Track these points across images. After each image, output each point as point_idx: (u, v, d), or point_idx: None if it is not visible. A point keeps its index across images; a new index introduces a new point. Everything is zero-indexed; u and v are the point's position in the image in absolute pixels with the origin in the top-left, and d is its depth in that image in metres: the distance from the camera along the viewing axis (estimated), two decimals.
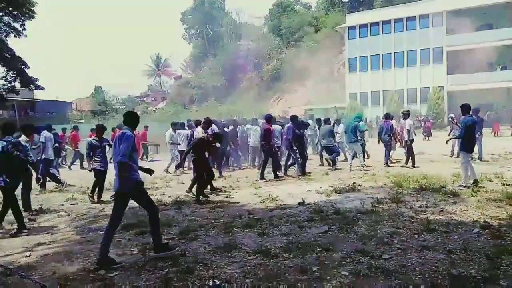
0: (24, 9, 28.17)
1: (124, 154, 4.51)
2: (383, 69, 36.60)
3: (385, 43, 36.30)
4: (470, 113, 8.45)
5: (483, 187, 7.96)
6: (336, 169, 11.81)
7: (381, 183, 9.16)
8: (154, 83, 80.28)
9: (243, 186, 9.76)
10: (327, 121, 12.86)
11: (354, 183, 9.18)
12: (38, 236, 5.92)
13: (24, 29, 29.26)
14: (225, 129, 12.68)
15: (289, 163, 11.52)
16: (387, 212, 6.33)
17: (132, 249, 5.06)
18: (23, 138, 7.60)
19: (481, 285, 3.58)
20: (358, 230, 5.44)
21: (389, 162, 12.23)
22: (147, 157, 18.39)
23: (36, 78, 30.40)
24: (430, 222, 5.51)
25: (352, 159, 11.80)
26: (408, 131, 11.57)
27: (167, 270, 4.27)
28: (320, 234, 5.35)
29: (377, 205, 6.79)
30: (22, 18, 28.87)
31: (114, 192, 5.43)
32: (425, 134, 22.50)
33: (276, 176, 10.63)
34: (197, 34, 65.30)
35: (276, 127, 11.37)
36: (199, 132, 9.64)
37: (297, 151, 11.19)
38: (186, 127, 13.61)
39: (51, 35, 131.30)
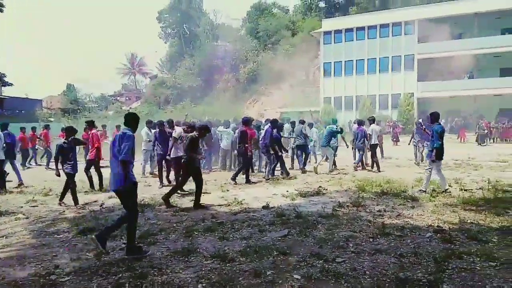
0: None
1: (126, 152, 4.78)
2: (356, 74, 37.24)
3: (359, 49, 36.96)
4: (439, 121, 8.65)
5: (443, 191, 8.21)
6: (305, 172, 11.96)
7: (345, 187, 9.35)
8: (129, 82, 79.21)
9: (211, 189, 9.72)
10: (301, 122, 13.12)
11: (319, 187, 9.33)
12: None
13: None
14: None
15: (270, 166, 11.40)
16: (347, 216, 6.47)
17: (87, 254, 4.97)
18: None
19: None
20: (317, 234, 5.54)
21: (362, 166, 12.44)
22: None
23: (3, 74, 29.53)
24: (386, 226, 5.68)
25: (320, 160, 12.06)
26: (370, 136, 11.90)
27: (120, 275, 4.23)
28: (280, 238, 5.42)
29: (338, 209, 6.92)
30: None
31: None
32: (394, 139, 23.02)
33: (248, 181, 10.52)
34: (174, 33, 64.84)
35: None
36: (178, 131, 9.66)
37: (274, 153, 11.13)
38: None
39: (22, 30, 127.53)
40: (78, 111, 53.51)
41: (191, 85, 52.09)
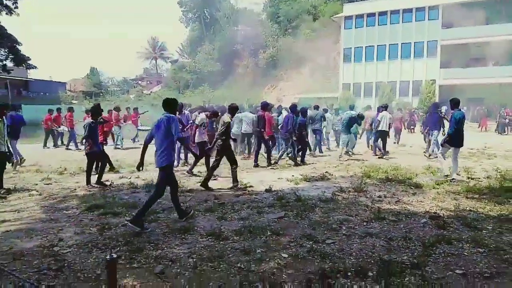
0: None
1: (178, 131, 5.46)
2: (377, 60, 36.67)
3: (380, 34, 36.29)
4: (459, 107, 8.49)
5: (450, 180, 8.15)
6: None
7: (351, 173, 9.39)
8: (150, 66, 79.98)
9: (220, 172, 9.90)
10: (316, 107, 13.46)
11: (326, 172, 9.41)
12: (5, 214, 6.09)
13: (16, 7, 28.97)
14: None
15: (289, 150, 11.33)
16: (346, 200, 6.56)
17: (91, 229, 5.24)
18: None
19: (406, 270, 3.80)
20: (313, 216, 5.65)
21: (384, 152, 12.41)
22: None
23: (28, 57, 30.25)
24: (381, 211, 5.74)
25: (345, 146, 12.09)
26: (379, 122, 11.88)
27: (118, 248, 4.47)
28: (276, 220, 5.56)
29: (339, 194, 7.02)
30: None
31: None
32: (410, 127, 22.74)
33: (270, 164, 10.70)
34: (195, 18, 64.80)
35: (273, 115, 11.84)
36: (200, 117, 9.52)
37: (299, 139, 11.13)
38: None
39: (48, 16, 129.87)
40: (101, 94, 54.62)
41: (210, 70, 52.27)
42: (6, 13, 29.30)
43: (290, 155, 11.26)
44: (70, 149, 16.07)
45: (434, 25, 33.82)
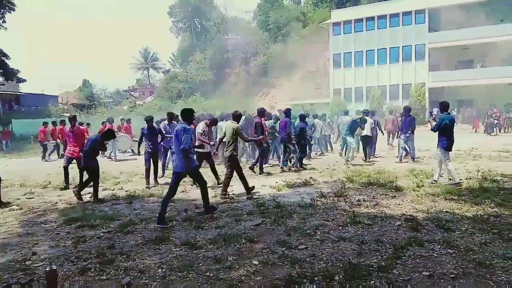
0: (3, 1, 27.98)
1: (186, 142, 5.96)
2: (366, 65, 36.91)
3: (368, 39, 36.55)
4: (448, 111, 8.46)
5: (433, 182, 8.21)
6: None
7: (335, 178, 9.42)
8: (142, 77, 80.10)
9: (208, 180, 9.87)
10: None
11: (310, 177, 9.44)
12: None
13: (4, 21, 29.06)
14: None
15: (287, 157, 11.35)
16: (325, 206, 6.58)
17: (66, 242, 5.22)
18: None
19: (373, 274, 3.82)
20: (290, 223, 5.67)
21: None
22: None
23: (17, 70, 30.23)
24: (357, 215, 5.77)
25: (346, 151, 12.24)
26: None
27: (89, 261, 4.46)
28: (253, 227, 5.57)
29: (319, 199, 7.04)
30: (2, 10, 28.65)
31: None
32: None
33: (261, 171, 10.69)
34: (185, 27, 64.99)
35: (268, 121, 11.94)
36: (200, 127, 9.30)
37: (297, 144, 11.15)
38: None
39: (39, 28, 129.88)
40: (93, 106, 54.54)
41: (202, 79, 52.39)
42: None
43: (293, 161, 11.37)
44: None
45: (421, 29, 34.13)
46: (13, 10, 29.14)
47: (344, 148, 13.06)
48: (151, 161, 9.40)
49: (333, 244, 4.73)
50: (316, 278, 3.77)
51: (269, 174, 10.57)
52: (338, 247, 4.61)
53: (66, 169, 9.52)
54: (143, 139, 9.45)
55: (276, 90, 46.99)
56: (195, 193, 8.34)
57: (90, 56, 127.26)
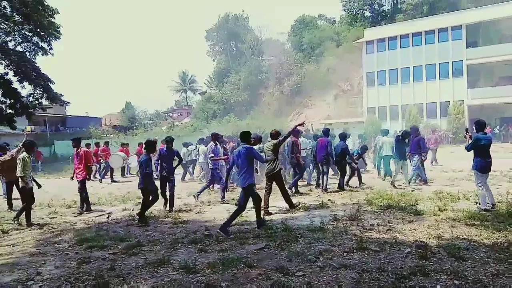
0: (50, 30, 29.87)
1: (261, 157, 7.32)
2: (401, 83, 36.07)
3: (403, 57, 35.85)
4: (490, 128, 7.95)
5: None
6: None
7: (355, 200, 9.12)
8: (181, 98, 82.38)
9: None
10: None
11: (328, 200, 9.21)
12: (1, 248, 6.33)
13: (51, 48, 30.98)
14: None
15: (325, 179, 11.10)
16: (336, 230, 6.35)
17: (71, 263, 5.33)
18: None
19: None
20: (294, 247, 5.50)
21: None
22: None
23: (61, 94, 31.88)
24: (365, 241, 5.51)
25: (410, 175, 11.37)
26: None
27: (87, 283, 4.51)
28: (255, 251, 5.46)
29: (331, 223, 6.82)
30: (49, 38, 30.58)
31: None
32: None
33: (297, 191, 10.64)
34: (221, 50, 66.66)
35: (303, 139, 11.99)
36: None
37: (337, 164, 11.15)
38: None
39: (84, 53, 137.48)
40: (135, 127, 56.61)
41: (236, 100, 53.18)
42: (42, 54, 31.38)
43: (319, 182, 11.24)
44: (115, 181, 16.54)
45: (458, 45, 33.07)
46: (59, 38, 31.01)
47: (382, 170, 12.66)
48: (166, 185, 8.93)
49: (333, 271, 4.53)
50: None
51: (301, 194, 10.51)
52: (338, 275, 4.40)
53: (80, 193, 9.45)
54: (158, 162, 9.16)
55: (310, 110, 46.80)
56: (211, 211, 8.38)
57: (132, 80, 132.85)
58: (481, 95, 31.99)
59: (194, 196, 10.18)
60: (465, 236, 5.69)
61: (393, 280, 4.16)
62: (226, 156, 10.88)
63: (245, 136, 7.07)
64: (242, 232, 6.56)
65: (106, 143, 19.02)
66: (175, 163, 9.23)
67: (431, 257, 4.86)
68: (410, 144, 11.21)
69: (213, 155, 10.02)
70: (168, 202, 9.05)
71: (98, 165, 17.25)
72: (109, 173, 17.04)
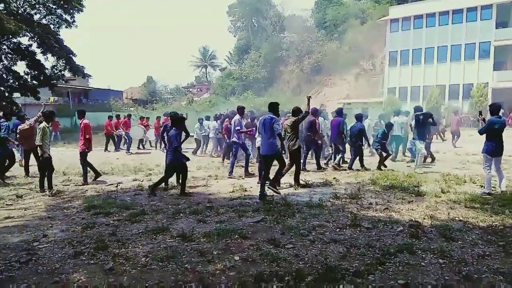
0: (73, 2, 30.19)
1: (279, 129, 7.41)
2: (425, 63, 35.15)
3: (428, 36, 34.81)
4: (499, 113, 7.76)
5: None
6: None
7: (360, 179, 9.16)
8: (201, 74, 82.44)
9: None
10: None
11: (334, 178, 9.28)
12: (14, 211, 6.70)
13: (74, 21, 31.41)
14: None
15: (339, 156, 11.30)
16: (333, 207, 6.45)
17: (76, 227, 5.62)
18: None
19: (346, 278, 3.73)
20: (290, 222, 5.64)
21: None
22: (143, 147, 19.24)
23: (83, 66, 32.43)
24: (359, 218, 5.60)
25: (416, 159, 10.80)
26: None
27: (88, 246, 4.78)
28: (252, 224, 5.63)
29: (331, 200, 6.91)
30: (72, 11, 30.97)
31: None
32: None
33: (320, 168, 11.03)
34: (243, 26, 65.93)
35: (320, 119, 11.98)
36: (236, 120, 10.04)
37: (353, 145, 11.13)
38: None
39: (108, 27, 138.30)
40: (155, 101, 57.24)
41: (255, 77, 52.91)
42: (66, 27, 31.84)
43: (335, 161, 11.25)
44: (131, 153, 17.04)
45: (487, 25, 31.83)
46: (81, 11, 31.31)
47: (395, 152, 12.52)
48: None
49: (323, 245, 4.66)
50: (286, 278, 3.76)
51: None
52: (326, 249, 4.53)
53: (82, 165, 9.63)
54: (165, 136, 9.21)
55: (329, 89, 46.27)
56: (214, 188, 8.59)
57: (155, 54, 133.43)
58: (507, 78, 30.92)
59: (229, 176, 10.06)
60: (461, 218, 5.71)
61: (378, 256, 4.26)
62: (250, 129, 10.95)
63: (273, 107, 7.60)
64: (242, 205, 6.73)
65: (129, 116, 19.54)
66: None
67: (422, 236, 4.93)
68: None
69: (239, 127, 10.11)
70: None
71: (125, 137, 17.78)
72: (125, 145, 17.55)
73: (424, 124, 10.45)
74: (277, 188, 7.93)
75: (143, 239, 5.06)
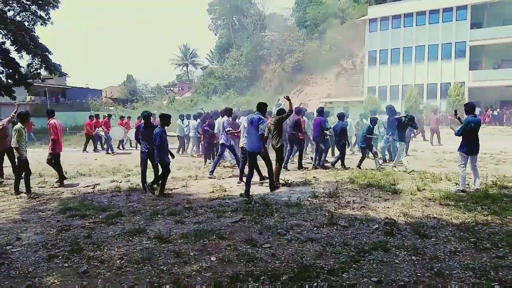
0: None
1: (263, 129, 7.63)
2: (403, 63, 35.75)
3: (406, 36, 35.41)
4: (474, 112, 7.90)
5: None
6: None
7: (339, 178, 9.26)
8: (182, 72, 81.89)
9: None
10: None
11: (313, 177, 9.36)
12: None
13: (49, 17, 30.70)
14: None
15: (323, 157, 11.31)
16: (311, 206, 6.51)
17: (51, 230, 5.52)
18: None
19: (320, 276, 3.77)
20: (268, 221, 5.67)
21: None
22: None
23: (59, 65, 31.72)
24: (335, 217, 5.67)
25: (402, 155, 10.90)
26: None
27: (62, 249, 4.70)
28: (230, 224, 5.63)
29: (309, 199, 6.97)
30: (47, 7, 30.29)
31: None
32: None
33: (301, 167, 11.16)
34: (224, 24, 65.68)
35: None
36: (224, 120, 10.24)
37: (337, 144, 11.29)
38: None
39: (87, 25, 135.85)
40: (135, 101, 56.50)
41: (237, 76, 52.83)
42: (41, 24, 31.09)
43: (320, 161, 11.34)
44: (115, 152, 16.96)
45: (462, 26, 32.59)
46: (57, 7, 30.66)
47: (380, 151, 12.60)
48: (147, 162, 8.43)
49: (299, 244, 4.70)
50: (262, 278, 3.78)
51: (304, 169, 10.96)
52: (302, 248, 4.57)
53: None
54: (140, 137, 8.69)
55: (310, 88, 46.58)
56: (196, 185, 8.56)
57: (134, 53, 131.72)
58: (482, 77, 31.78)
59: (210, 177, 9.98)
60: (435, 215, 5.84)
61: (353, 254, 4.32)
62: (238, 130, 10.92)
63: (261, 107, 7.94)
64: (221, 206, 6.73)
65: (109, 116, 19.32)
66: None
67: (397, 233, 5.03)
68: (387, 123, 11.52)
69: (229, 128, 10.10)
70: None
71: (105, 137, 17.53)
72: (105, 146, 17.36)
73: (406, 126, 10.70)
74: (278, 183, 8.37)
75: (119, 241, 5.01)
